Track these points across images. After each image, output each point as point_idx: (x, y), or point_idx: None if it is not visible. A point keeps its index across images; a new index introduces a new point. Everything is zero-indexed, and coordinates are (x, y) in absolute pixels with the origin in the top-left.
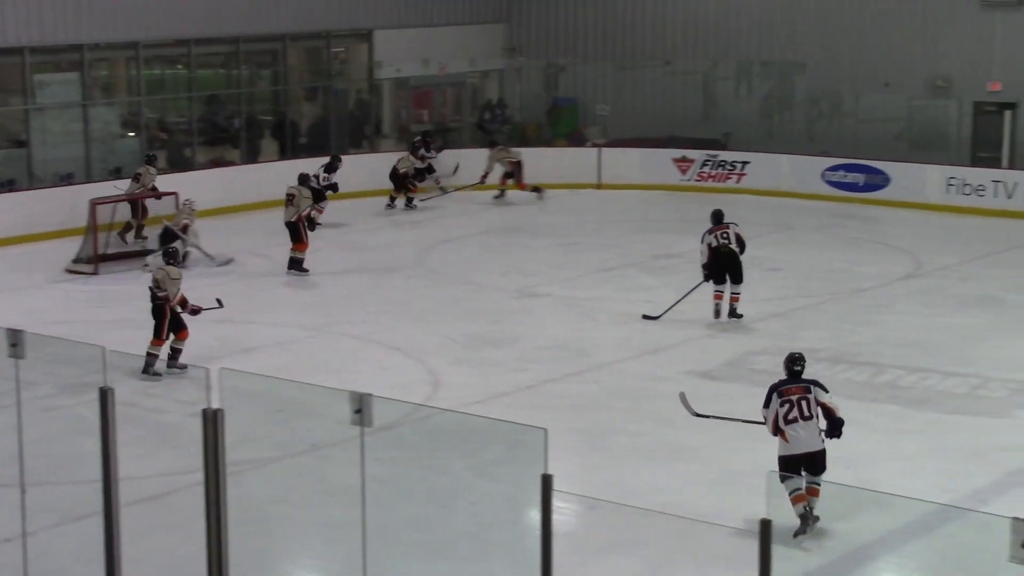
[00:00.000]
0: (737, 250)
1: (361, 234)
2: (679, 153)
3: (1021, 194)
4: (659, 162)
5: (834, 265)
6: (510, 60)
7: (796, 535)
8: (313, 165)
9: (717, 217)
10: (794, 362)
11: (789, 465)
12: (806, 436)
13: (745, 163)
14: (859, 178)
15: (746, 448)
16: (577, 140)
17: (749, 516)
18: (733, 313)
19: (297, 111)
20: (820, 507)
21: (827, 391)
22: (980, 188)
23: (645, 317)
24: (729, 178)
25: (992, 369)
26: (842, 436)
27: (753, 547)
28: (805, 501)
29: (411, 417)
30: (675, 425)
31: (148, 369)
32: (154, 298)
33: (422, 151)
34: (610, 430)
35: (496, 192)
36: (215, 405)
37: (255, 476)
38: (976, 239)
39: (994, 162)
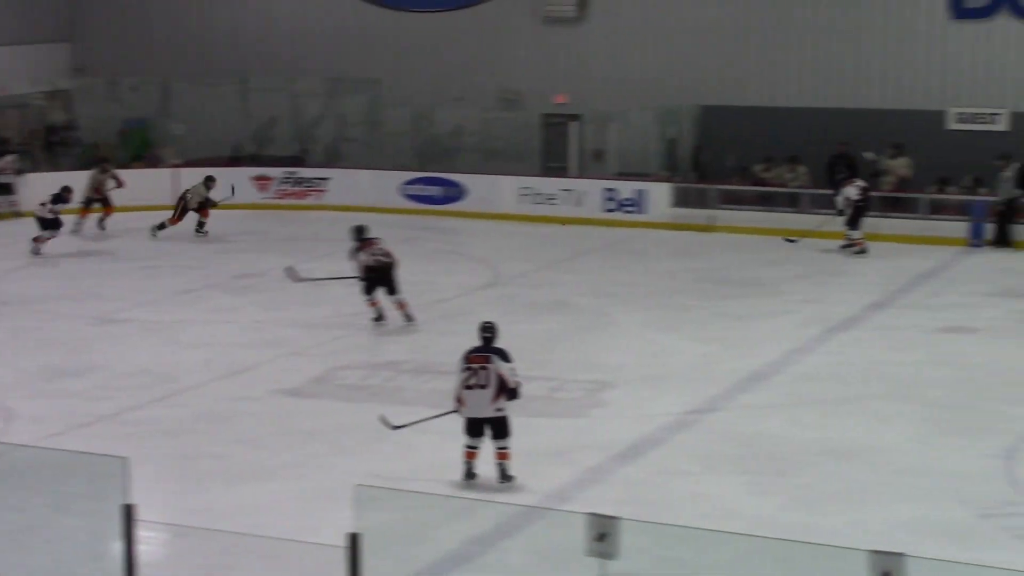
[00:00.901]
0: (391, 262)
1: None
2: (257, 171)
3: (589, 202)
4: (237, 181)
5: (415, 277)
6: (77, 80)
7: (466, 479)
8: None
9: (361, 233)
10: (484, 330)
11: (471, 426)
12: (480, 402)
13: (324, 179)
14: (436, 191)
15: (333, 464)
16: (152, 161)
17: (338, 531)
18: (409, 318)
19: None
20: (427, 516)
21: (509, 361)
22: (551, 197)
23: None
24: (309, 195)
25: (568, 371)
26: (519, 398)
27: (343, 561)
28: (473, 459)
29: None
30: (262, 445)
31: None
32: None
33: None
34: (196, 454)
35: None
36: None
37: None
38: (549, 246)
39: (563, 171)
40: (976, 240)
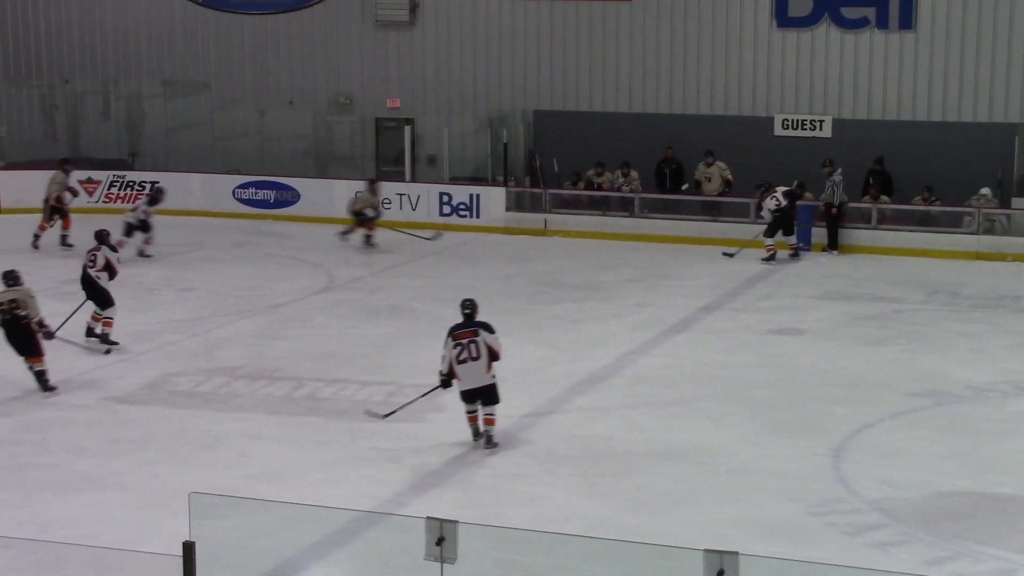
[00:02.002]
0: (97, 276)
1: None
2: (84, 174)
3: (423, 205)
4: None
5: (249, 282)
6: None
7: (476, 439)
8: None
9: (97, 237)
10: (464, 307)
11: (467, 396)
12: (474, 374)
13: (154, 183)
14: (270, 195)
15: (167, 472)
16: None
17: (172, 539)
18: (102, 339)
19: None
20: (264, 523)
21: (493, 332)
22: (386, 201)
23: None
24: (139, 198)
25: (405, 375)
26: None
27: (178, 571)
28: (476, 421)
29: None
30: (91, 454)
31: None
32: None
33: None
34: (22, 464)
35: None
36: None
37: None
38: (383, 251)
39: (398, 176)
40: (803, 244)
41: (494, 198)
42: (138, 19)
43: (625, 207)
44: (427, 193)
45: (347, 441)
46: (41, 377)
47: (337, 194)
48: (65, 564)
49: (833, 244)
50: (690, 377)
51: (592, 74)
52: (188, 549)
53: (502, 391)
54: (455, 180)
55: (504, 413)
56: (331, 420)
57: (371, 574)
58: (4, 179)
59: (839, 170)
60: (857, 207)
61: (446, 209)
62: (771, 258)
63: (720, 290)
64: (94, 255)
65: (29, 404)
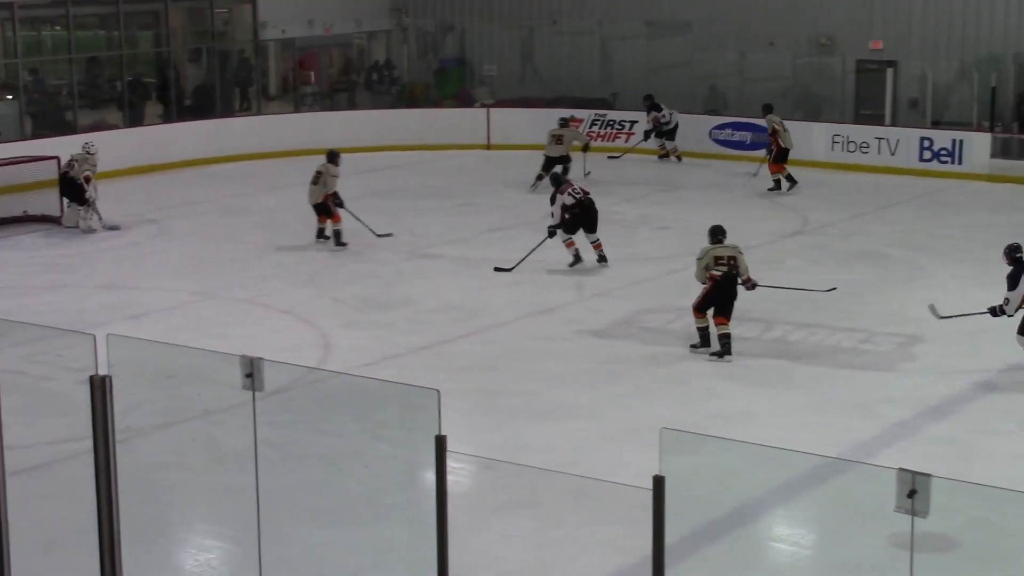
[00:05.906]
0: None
1: (248, 198)
2: (567, 113)
3: (903, 150)
4: (547, 122)
5: (722, 223)
6: (396, 21)
7: None
8: (198, 129)
9: (556, 179)
10: (1013, 250)
11: None
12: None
13: (633, 123)
14: (746, 136)
15: (637, 406)
16: (465, 101)
17: (639, 472)
18: (602, 259)
19: (181, 73)
20: (731, 462)
21: None
22: (864, 145)
23: (497, 269)
24: (618, 137)
25: (877, 323)
26: None
27: (647, 504)
28: None
29: (303, 380)
30: (566, 384)
31: None
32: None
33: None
34: (503, 390)
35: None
36: (103, 372)
37: (145, 443)
38: (860, 195)
39: (877, 119)
40: None
41: (978, 144)
42: None
43: None
44: (907, 138)
45: (815, 386)
46: None
47: (815, 137)
48: (541, 489)
49: None
50: None
51: None
52: (658, 483)
53: (982, 343)
54: (937, 125)
55: (980, 367)
56: (799, 364)
57: (837, 521)
58: (495, 116)
59: None
60: None
61: (926, 155)
62: None
63: None
64: (575, 189)
65: (509, 333)
